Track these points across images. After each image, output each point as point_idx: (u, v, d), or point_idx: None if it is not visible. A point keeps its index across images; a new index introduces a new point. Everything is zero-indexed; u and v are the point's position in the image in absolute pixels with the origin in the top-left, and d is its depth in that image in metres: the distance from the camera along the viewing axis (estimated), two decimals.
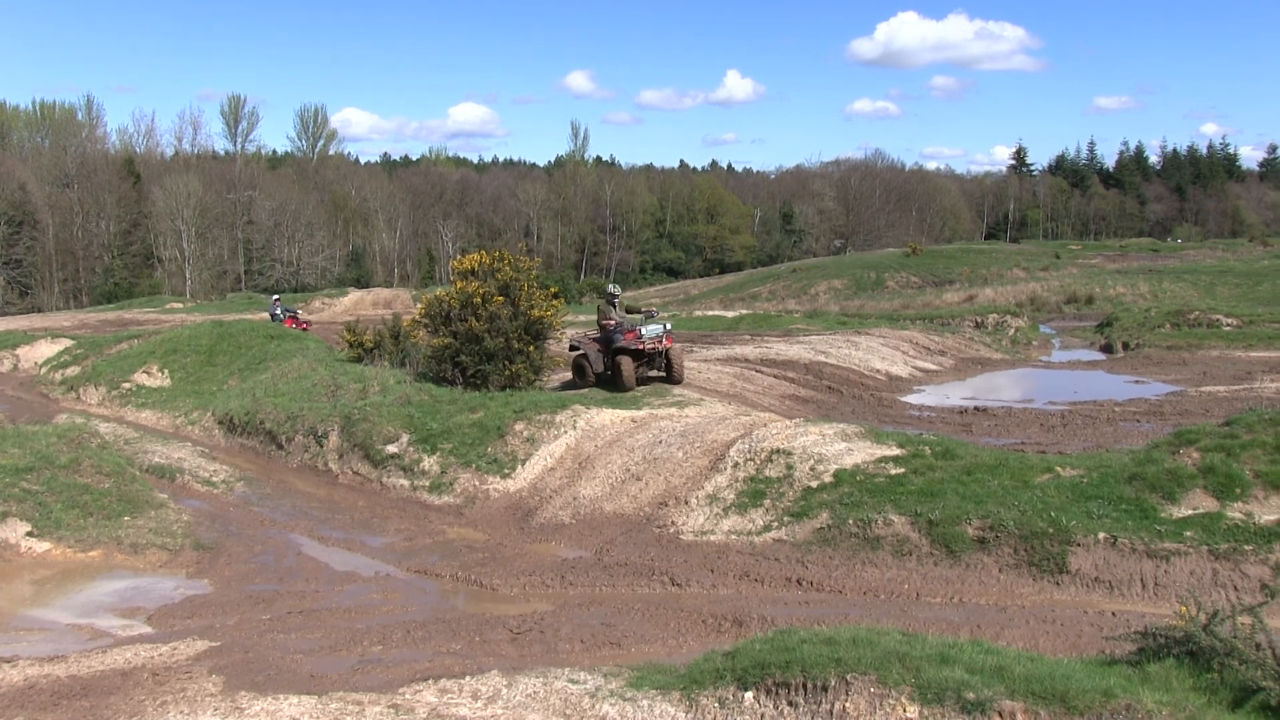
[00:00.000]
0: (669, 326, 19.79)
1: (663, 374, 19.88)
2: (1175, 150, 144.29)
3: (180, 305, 53.07)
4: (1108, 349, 32.76)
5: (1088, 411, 20.38)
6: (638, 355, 19.26)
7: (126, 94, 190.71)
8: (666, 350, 19.64)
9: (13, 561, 12.62)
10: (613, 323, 19.80)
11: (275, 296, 43.75)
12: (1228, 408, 19.30)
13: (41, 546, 12.85)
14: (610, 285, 22.35)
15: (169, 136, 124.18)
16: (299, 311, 39.47)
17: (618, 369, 19.16)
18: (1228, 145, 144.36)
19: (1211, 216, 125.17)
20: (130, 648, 9.41)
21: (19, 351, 30.36)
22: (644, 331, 19.20)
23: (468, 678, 8.06)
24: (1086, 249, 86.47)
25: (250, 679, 8.40)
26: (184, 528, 13.78)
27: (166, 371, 24.73)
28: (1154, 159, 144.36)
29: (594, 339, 20.31)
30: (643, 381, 19.56)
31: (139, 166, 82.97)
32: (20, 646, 9.80)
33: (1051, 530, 10.96)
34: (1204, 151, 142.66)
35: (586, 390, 19.47)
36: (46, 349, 29.94)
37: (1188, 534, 10.57)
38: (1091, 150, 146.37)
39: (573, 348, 20.82)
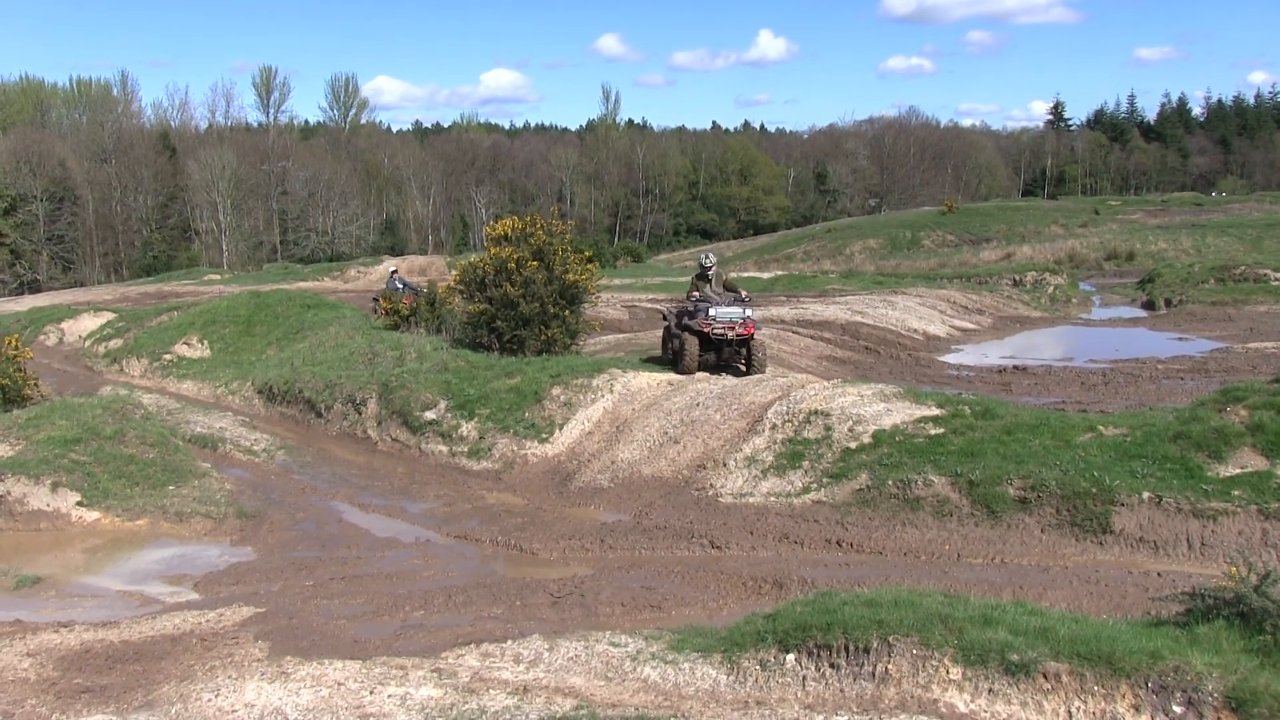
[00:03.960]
0: (749, 313, 17.18)
1: (741, 365, 17.52)
2: (1220, 101, 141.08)
3: (218, 277, 53.40)
4: (1149, 306, 32.34)
5: (1129, 369, 20.15)
6: (704, 339, 17.12)
7: (160, 68, 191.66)
8: (749, 339, 17.15)
9: (65, 530, 12.89)
10: (696, 295, 17.78)
11: (393, 268, 33.38)
12: (1276, 364, 19.03)
13: (91, 515, 13.09)
14: (704, 255, 18.92)
15: (202, 109, 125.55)
16: (421, 287, 27.05)
17: (681, 349, 17.34)
18: (1277, 94, 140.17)
19: (1259, 169, 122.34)
20: (178, 614, 9.57)
21: (63, 325, 30.76)
22: (712, 313, 16.95)
23: (509, 642, 8.11)
24: (1126, 204, 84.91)
25: (295, 644, 8.52)
26: (227, 496, 13.95)
27: (206, 342, 24.98)
28: (1197, 111, 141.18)
29: (676, 312, 18.51)
30: (709, 368, 17.41)
31: (174, 140, 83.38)
32: (75, 612, 10.02)
33: (1094, 490, 10.85)
34: (1251, 101, 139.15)
35: (624, 354, 19.38)
36: (89, 322, 30.31)
37: (1236, 493, 10.41)
38: (1131, 103, 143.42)
39: (664, 316, 19.56)
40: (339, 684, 7.19)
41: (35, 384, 19.61)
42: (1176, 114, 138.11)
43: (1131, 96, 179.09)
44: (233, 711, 6.84)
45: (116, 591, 10.83)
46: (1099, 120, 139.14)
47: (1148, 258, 46.47)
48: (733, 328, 16.95)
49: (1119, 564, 10.06)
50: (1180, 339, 24.90)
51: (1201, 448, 11.15)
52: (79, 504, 13.20)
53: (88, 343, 28.42)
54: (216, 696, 7.08)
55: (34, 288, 62.87)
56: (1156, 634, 6.65)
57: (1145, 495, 10.63)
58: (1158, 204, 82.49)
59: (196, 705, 6.96)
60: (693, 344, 17.10)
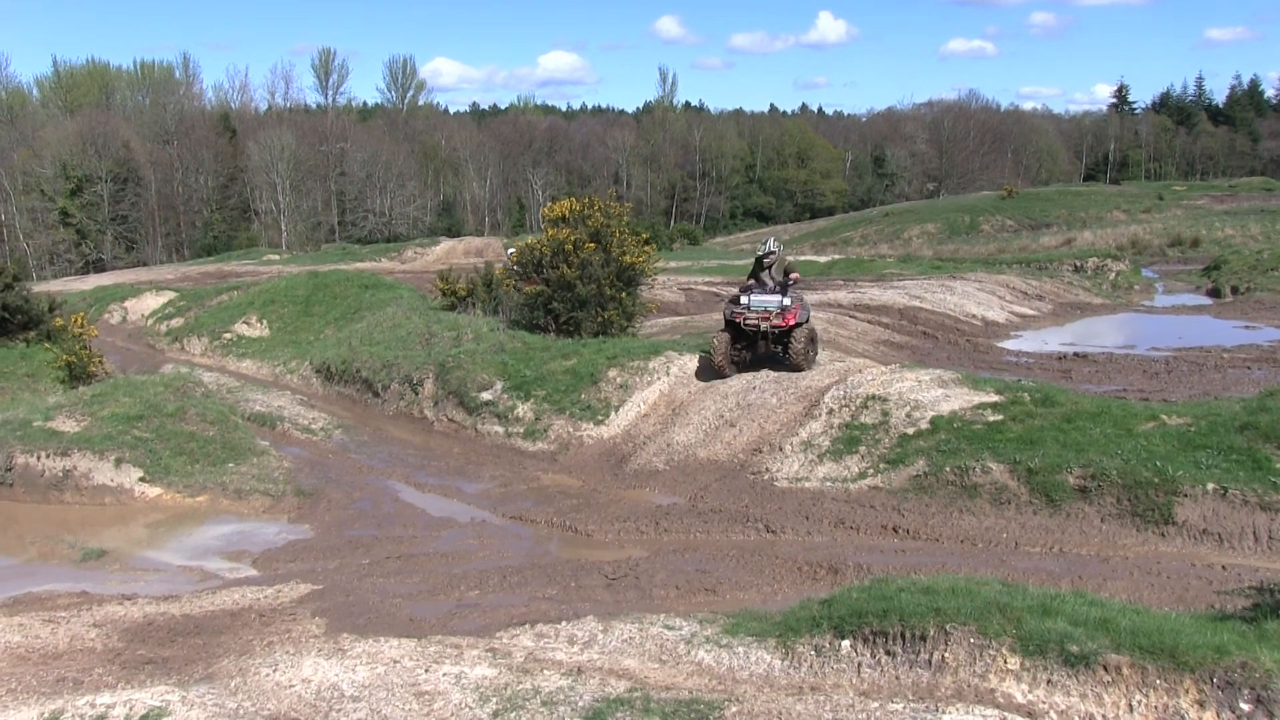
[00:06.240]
0: (787, 302, 15.18)
1: (780, 359, 15.76)
2: None
3: (277, 257, 54.12)
4: (1215, 293, 31.60)
5: (1194, 358, 19.71)
6: (738, 331, 15.62)
7: (222, 50, 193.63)
8: (789, 332, 15.30)
9: (128, 505, 13.17)
10: (751, 283, 16.13)
11: (510, 250, 30.29)
12: None
13: (153, 491, 13.36)
14: (765, 241, 16.71)
15: (262, 91, 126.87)
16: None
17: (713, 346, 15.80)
18: None
19: None
20: (237, 589, 9.74)
21: (127, 304, 31.36)
22: (744, 300, 15.42)
23: (564, 623, 8.14)
24: (1192, 190, 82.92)
25: (352, 621, 8.62)
26: (285, 474, 14.14)
27: (265, 322, 25.32)
28: (1270, 93, 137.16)
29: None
30: (745, 365, 15.89)
31: (234, 121, 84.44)
32: (139, 585, 10.26)
33: (1157, 480, 10.63)
34: None
35: (680, 337, 19.28)
36: (152, 301, 30.86)
37: None
38: (1199, 86, 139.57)
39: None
40: (395, 661, 7.26)
41: (100, 361, 20.06)
42: (1247, 96, 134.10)
43: (1199, 79, 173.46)
44: (290, 686, 6.94)
45: (178, 566, 11.05)
46: (1164, 103, 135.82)
47: (1213, 244, 45.40)
48: (766, 318, 15.20)
49: (1182, 556, 9.85)
50: (1247, 327, 24.30)
51: (1270, 439, 10.87)
52: (141, 479, 13.48)
53: (150, 321, 28.94)
54: (275, 671, 7.19)
55: (99, 267, 64.31)
56: (1222, 628, 6.48)
57: (1210, 486, 10.39)
58: (1225, 189, 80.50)
59: (255, 679, 7.07)
60: (722, 339, 15.65)
